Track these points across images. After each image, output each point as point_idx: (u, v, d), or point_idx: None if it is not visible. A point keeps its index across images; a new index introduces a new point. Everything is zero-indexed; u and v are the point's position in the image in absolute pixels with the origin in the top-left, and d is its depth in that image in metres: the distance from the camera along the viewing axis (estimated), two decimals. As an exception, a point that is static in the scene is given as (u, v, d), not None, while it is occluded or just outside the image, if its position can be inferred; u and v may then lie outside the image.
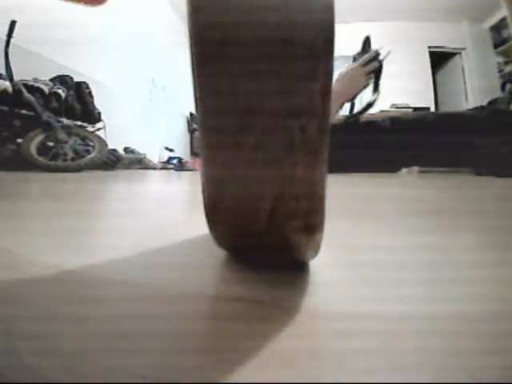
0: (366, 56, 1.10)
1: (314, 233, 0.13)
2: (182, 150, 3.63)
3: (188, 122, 4.07)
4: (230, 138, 0.12)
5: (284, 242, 0.14)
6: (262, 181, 0.12)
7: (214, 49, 0.10)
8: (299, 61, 0.10)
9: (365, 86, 1.09)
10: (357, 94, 1.10)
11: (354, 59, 1.17)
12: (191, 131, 3.99)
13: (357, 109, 1.18)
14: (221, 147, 0.12)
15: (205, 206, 0.14)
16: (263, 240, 0.14)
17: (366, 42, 1.18)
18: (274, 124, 0.11)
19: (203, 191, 0.14)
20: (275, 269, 0.15)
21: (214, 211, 0.14)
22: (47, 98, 1.79)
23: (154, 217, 0.33)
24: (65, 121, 1.78)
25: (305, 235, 0.13)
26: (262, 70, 0.11)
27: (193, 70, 0.11)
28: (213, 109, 0.11)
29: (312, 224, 0.13)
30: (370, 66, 1.09)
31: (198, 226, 0.19)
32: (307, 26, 0.10)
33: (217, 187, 0.13)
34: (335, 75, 0.95)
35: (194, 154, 3.75)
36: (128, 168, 2.21)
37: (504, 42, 3.59)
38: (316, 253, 0.15)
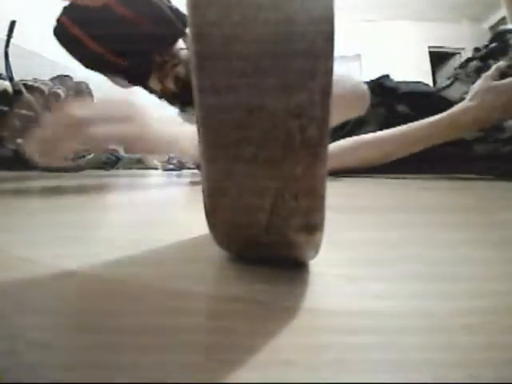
0: None
1: (314, 232, 0.13)
2: (181, 150, 3.63)
3: (188, 121, 4.06)
4: (230, 137, 0.12)
5: (284, 242, 0.14)
6: (262, 180, 0.12)
7: (213, 47, 0.10)
8: (299, 60, 0.10)
9: None
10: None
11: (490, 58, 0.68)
12: (191, 131, 3.98)
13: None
14: (220, 147, 0.12)
15: (205, 205, 0.14)
16: (263, 240, 0.14)
17: None
18: (273, 124, 0.11)
19: (203, 191, 0.14)
20: (275, 268, 0.15)
21: (214, 211, 0.14)
22: (47, 98, 1.78)
23: (153, 216, 0.33)
24: (65, 121, 1.78)
25: (305, 235, 0.13)
26: (261, 69, 0.11)
27: (192, 68, 0.11)
28: (212, 108, 0.11)
29: (312, 224, 0.13)
30: None
31: (198, 225, 0.19)
32: (307, 24, 0.10)
33: (217, 187, 0.13)
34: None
35: (193, 153, 3.73)
36: (128, 168, 2.21)
37: (504, 41, 3.59)
38: (316, 252, 0.15)
